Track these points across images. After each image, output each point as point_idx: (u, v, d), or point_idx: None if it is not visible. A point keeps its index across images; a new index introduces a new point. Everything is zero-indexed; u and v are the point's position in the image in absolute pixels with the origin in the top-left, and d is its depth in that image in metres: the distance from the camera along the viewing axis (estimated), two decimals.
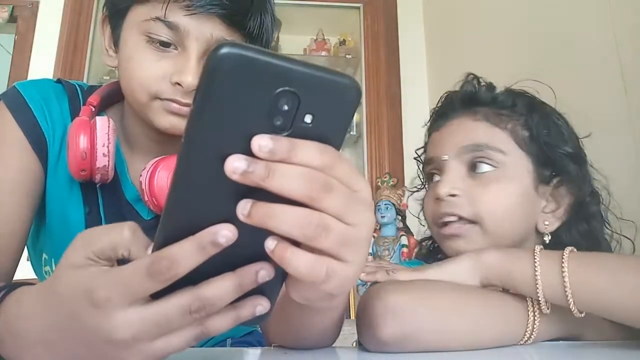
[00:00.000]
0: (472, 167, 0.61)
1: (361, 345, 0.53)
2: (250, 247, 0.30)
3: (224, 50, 0.25)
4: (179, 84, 0.58)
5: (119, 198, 0.68)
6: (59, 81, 0.70)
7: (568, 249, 0.50)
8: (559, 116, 0.66)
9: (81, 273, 0.31)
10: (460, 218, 0.60)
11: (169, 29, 0.58)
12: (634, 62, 0.95)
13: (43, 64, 2.10)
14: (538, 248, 0.51)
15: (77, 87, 0.71)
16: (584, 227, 0.62)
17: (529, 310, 0.50)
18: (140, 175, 0.63)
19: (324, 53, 2.34)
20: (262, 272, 0.30)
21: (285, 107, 0.27)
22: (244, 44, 0.26)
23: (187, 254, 0.28)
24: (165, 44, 0.59)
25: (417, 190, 0.74)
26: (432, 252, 0.74)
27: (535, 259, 0.49)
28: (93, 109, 0.65)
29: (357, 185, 0.30)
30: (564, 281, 0.47)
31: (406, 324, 0.48)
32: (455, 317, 0.50)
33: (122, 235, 0.31)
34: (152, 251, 0.30)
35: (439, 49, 2.19)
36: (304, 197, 0.28)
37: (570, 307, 0.48)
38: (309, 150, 0.28)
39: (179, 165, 0.27)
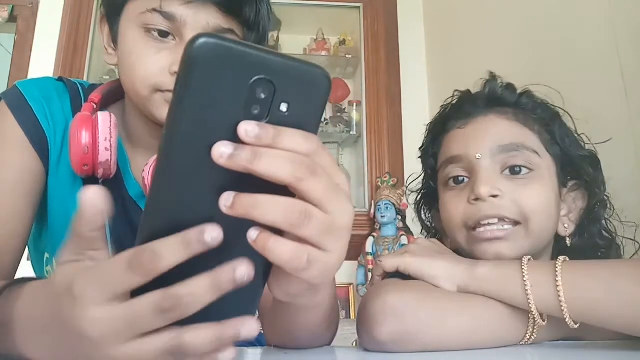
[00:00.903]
0: (507, 168, 0.59)
1: (361, 345, 0.53)
2: (232, 249, 0.29)
3: (201, 40, 0.26)
4: None
5: (122, 195, 0.68)
6: (60, 79, 0.70)
7: (560, 259, 0.49)
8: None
9: (67, 268, 0.31)
10: (501, 219, 0.57)
11: (165, 20, 0.59)
12: (634, 62, 0.95)
13: (43, 63, 2.10)
14: (525, 260, 0.50)
15: (79, 86, 0.71)
16: (596, 229, 0.62)
17: (530, 317, 0.50)
18: (143, 171, 0.63)
19: (324, 53, 2.34)
20: (240, 269, 0.28)
21: (262, 95, 0.27)
22: (220, 35, 0.27)
23: (171, 248, 0.27)
24: (163, 34, 0.59)
25: (421, 191, 0.72)
26: None
27: (523, 272, 0.48)
28: (95, 106, 0.64)
29: (338, 177, 0.31)
30: (559, 294, 0.47)
31: (405, 323, 0.48)
32: (454, 316, 0.50)
33: (72, 222, 0.30)
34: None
35: (439, 49, 2.19)
36: (290, 178, 0.28)
37: (566, 319, 0.47)
38: (295, 137, 0.29)
39: (160, 157, 0.28)
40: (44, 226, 0.68)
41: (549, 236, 0.60)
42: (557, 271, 0.47)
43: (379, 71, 2.22)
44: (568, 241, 0.61)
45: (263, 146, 0.28)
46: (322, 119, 2.57)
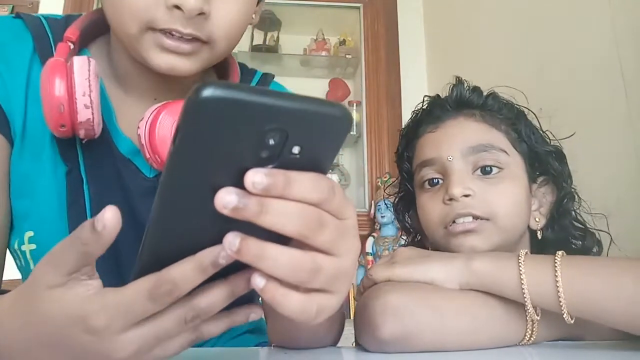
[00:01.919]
0: (478, 167, 0.61)
1: (360, 346, 0.53)
2: None
3: (206, 93, 0.23)
4: (177, 7, 0.47)
5: (111, 154, 0.57)
6: (18, 16, 0.57)
7: (559, 254, 0.49)
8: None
9: (68, 295, 0.30)
10: (474, 217, 0.59)
11: None
12: (634, 62, 0.95)
13: None
14: (523, 253, 0.50)
15: (44, 21, 0.57)
16: (567, 221, 0.64)
17: (526, 313, 0.50)
18: (138, 128, 0.53)
19: (324, 53, 2.34)
20: (254, 279, 0.29)
21: (272, 142, 0.26)
22: (226, 82, 0.24)
23: (188, 276, 0.28)
24: None
25: (398, 194, 0.73)
26: None
27: (520, 267, 0.49)
28: (72, 46, 0.53)
29: (346, 214, 0.30)
30: (558, 290, 0.47)
31: (405, 323, 0.48)
32: (454, 317, 0.50)
33: (82, 244, 0.28)
34: (133, 276, 0.29)
35: (439, 49, 2.19)
36: (297, 235, 0.27)
37: (563, 314, 0.47)
38: (304, 185, 0.27)
39: (160, 197, 0.26)
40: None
41: (520, 230, 0.62)
42: (556, 266, 0.48)
43: (379, 71, 2.23)
44: (539, 234, 0.63)
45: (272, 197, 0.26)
46: None
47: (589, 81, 1.07)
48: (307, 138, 0.27)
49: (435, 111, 0.68)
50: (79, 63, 0.49)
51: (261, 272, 0.28)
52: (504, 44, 1.53)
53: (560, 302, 0.47)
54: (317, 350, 0.53)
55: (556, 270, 0.48)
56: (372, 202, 2.03)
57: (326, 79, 2.36)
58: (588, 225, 0.65)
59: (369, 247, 1.94)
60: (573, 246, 0.64)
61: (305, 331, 0.50)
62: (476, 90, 0.68)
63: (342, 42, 2.38)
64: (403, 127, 0.73)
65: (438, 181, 0.64)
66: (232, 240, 0.27)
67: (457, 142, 0.63)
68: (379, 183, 2.05)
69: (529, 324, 0.50)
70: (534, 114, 0.69)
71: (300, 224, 0.27)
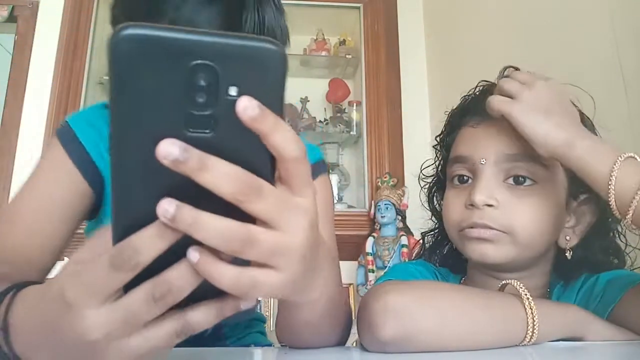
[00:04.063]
0: (510, 177, 0.58)
1: (362, 346, 0.53)
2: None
3: (125, 32, 0.24)
4: None
5: None
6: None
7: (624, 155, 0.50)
8: None
9: (64, 273, 0.30)
10: (491, 228, 0.57)
11: None
12: (634, 62, 0.95)
13: (43, 64, 2.10)
14: (624, 156, 0.50)
15: None
16: (604, 243, 0.61)
17: (526, 312, 0.50)
18: None
19: (324, 53, 2.34)
20: (189, 254, 0.28)
21: (203, 82, 0.25)
22: (146, 23, 0.25)
23: (148, 242, 0.27)
24: None
25: (430, 183, 0.71)
26: (434, 247, 0.73)
27: (615, 165, 0.49)
28: None
29: (302, 191, 0.29)
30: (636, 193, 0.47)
31: (406, 324, 0.48)
32: (455, 317, 0.50)
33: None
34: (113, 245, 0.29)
35: (439, 49, 2.19)
36: (231, 198, 0.27)
37: (627, 218, 0.48)
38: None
39: (112, 154, 0.26)
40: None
41: (541, 248, 0.59)
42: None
43: (379, 71, 2.22)
44: (568, 254, 0.60)
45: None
46: (323, 119, 2.47)
47: (589, 81, 1.07)
48: (241, 75, 0.26)
49: (483, 103, 0.62)
50: None
51: (197, 247, 0.28)
52: (504, 44, 1.53)
53: (632, 205, 0.47)
54: (318, 350, 0.53)
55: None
56: (372, 202, 2.03)
57: (326, 79, 2.36)
58: (630, 244, 0.62)
59: (369, 247, 1.94)
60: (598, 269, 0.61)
61: (306, 327, 0.50)
62: None
63: (342, 42, 2.38)
64: (450, 110, 0.69)
65: (468, 179, 0.61)
66: (167, 207, 0.26)
67: (494, 145, 0.59)
68: (379, 183, 2.05)
69: (530, 324, 0.50)
70: (591, 122, 0.63)
71: (235, 187, 0.27)
